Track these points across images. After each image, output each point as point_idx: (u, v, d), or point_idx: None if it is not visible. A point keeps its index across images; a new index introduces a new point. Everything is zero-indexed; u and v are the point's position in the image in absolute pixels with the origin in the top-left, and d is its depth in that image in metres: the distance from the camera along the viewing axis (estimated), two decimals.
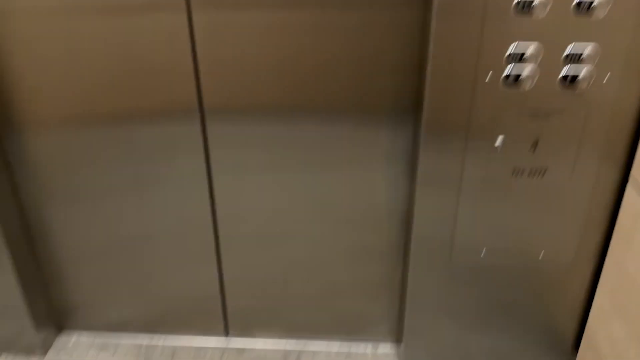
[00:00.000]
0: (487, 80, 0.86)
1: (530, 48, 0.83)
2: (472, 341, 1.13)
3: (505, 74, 0.85)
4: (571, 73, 0.84)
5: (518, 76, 0.85)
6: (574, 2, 0.79)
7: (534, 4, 0.80)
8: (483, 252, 1.02)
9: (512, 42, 0.83)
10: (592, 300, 1.03)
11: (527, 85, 0.86)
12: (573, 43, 0.83)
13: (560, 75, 0.85)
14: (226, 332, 1.28)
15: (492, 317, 1.10)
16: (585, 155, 0.91)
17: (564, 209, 0.96)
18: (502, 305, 1.09)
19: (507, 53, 0.84)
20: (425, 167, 0.95)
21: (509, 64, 0.85)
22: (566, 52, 0.83)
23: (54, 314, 1.27)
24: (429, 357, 1.16)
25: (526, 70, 0.85)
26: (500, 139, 0.91)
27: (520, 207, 0.97)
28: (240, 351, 1.23)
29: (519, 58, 0.84)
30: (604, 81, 0.85)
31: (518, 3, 0.80)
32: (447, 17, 0.82)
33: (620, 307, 0.92)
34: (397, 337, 1.23)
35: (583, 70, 0.84)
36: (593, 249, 0.99)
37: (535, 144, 0.91)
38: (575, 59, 0.83)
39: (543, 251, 1.01)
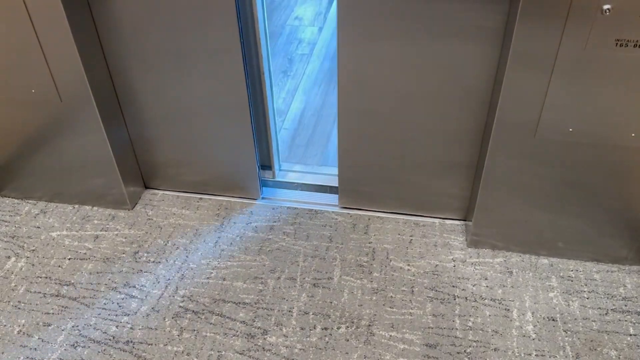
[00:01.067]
0: None
1: None
2: (542, 221, 1.13)
3: None
4: None
5: None
6: None
7: None
8: (569, 132, 0.98)
9: None
10: None
11: None
12: None
13: None
14: None
15: (568, 198, 1.08)
16: None
17: None
18: (581, 187, 1.06)
19: None
20: (519, 41, 0.89)
21: None
22: None
23: (140, 172, 1.35)
24: (496, 234, 1.17)
25: None
26: (609, 5, 0.83)
27: (618, 83, 0.91)
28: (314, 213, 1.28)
29: None
30: None
31: None
32: None
33: None
34: (467, 215, 1.24)
35: None
36: None
37: None
38: None
39: (634, 133, 0.95)
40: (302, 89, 1.75)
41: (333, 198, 1.34)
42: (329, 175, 1.40)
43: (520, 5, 0.86)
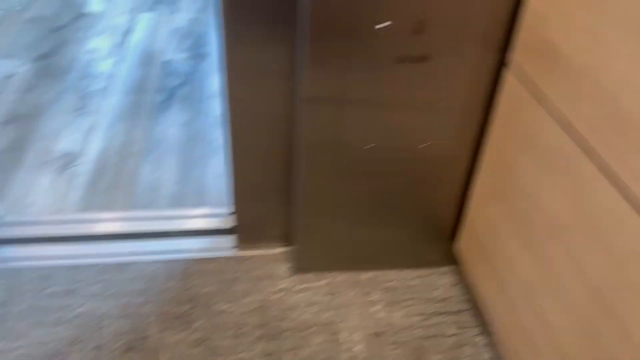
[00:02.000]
0: None
1: None
2: (360, 236, 1.14)
3: None
4: None
5: None
6: None
7: None
8: (371, 148, 1.00)
9: None
10: (470, 188, 1.06)
11: None
12: None
13: None
14: None
15: (380, 210, 1.10)
16: (463, 43, 0.89)
17: (443, 95, 0.95)
18: (389, 198, 1.09)
19: None
20: (311, 81, 0.88)
21: None
22: None
23: None
24: (319, 256, 1.16)
25: None
26: (383, 24, 0.86)
27: (403, 97, 0.94)
28: None
29: None
30: None
31: None
32: None
33: (498, 190, 0.95)
34: (289, 241, 1.21)
35: None
36: (472, 136, 1.00)
37: (419, 28, 0.87)
38: None
39: (426, 141, 1.00)
40: (101, 127, 1.59)
41: (144, 245, 1.22)
42: (144, 220, 1.28)
43: (309, 36, 0.85)
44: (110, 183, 1.38)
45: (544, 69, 0.79)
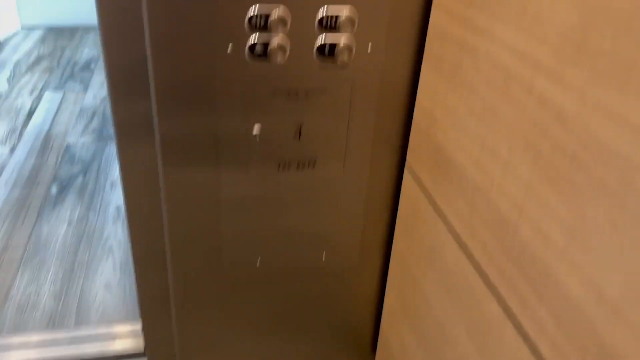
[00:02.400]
0: (228, 52, 0.67)
1: (275, 12, 0.65)
2: (265, 350, 0.98)
3: (249, 45, 0.67)
4: (328, 42, 0.68)
5: (266, 48, 0.67)
6: None
7: None
8: (258, 262, 0.85)
9: (252, 5, 0.65)
10: (382, 300, 0.92)
11: (278, 59, 0.68)
12: (325, 6, 0.66)
13: (316, 46, 0.69)
14: None
15: (281, 325, 0.95)
16: (356, 141, 0.77)
17: (340, 203, 0.82)
18: (292, 313, 0.94)
19: (248, 18, 0.65)
20: (171, 184, 0.74)
21: (252, 32, 0.66)
22: (319, 16, 0.67)
23: None
24: None
25: (274, 40, 0.67)
26: (257, 127, 0.73)
27: (292, 208, 0.81)
28: None
29: (263, 25, 0.66)
30: (368, 52, 0.70)
31: None
32: None
33: (406, 308, 0.81)
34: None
35: (341, 39, 0.68)
36: (378, 245, 0.88)
37: (299, 132, 0.75)
38: (330, 25, 0.67)
39: (325, 252, 0.87)
40: None
41: None
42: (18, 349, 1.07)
43: (160, 144, 0.72)
44: None
45: (437, 178, 0.68)
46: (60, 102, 2.02)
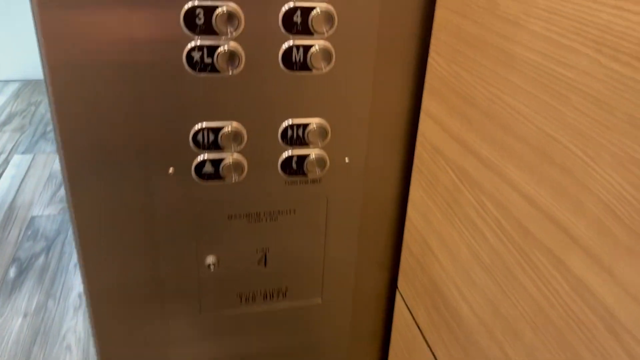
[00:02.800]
0: (170, 172, 0.54)
1: (227, 128, 0.52)
2: None
3: (195, 166, 0.54)
4: (294, 158, 0.55)
5: (216, 169, 0.54)
6: None
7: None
8: None
9: (197, 122, 0.52)
10: None
11: (233, 180, 0.55)
12: (290, 120, 0.53)
13: (281, 161, 0.55)
14: None
15: None
16: (336, 263, 0.64)
17: (323, 335, 0.68)
18: None
19: (192, 136, 0.52)
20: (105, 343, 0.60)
21: (200, 153, 0.53)
22: (281, 129, 0.54)
23: None
24: None
25: (227, 159, 0.54)
26: (211, 256, 0.59)
27: (263, 342, 0.67)
28: None
29: (212, 141, 0.53)
30: (344, 165, 0.57)
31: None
32: None
33: None
34: None
35: (311, 155, 0.55)
36: None
37: (264, 258, 0.61)
38: (297, 140, 0.54)
39: None
40: None
41: None
42: None
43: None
44: None
45: (436, 321, 0.54)
46: (29, 167, 1.89)
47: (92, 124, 0.49)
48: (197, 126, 0.52)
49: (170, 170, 0.53)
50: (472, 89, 0.42)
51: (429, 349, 0.56)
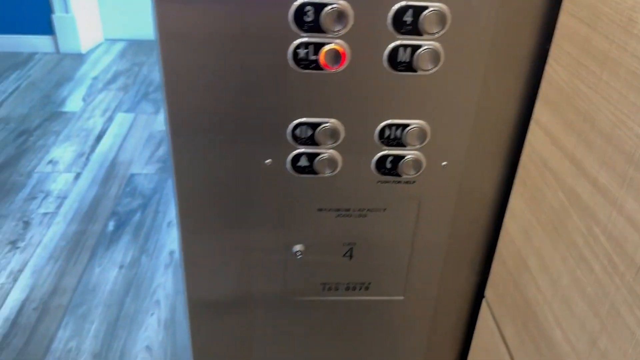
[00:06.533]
0: (267, 162, 0.55)
1: (324, 125, 0.52)
2: None
3: (291, 158, 0.54)
4: (390, 158, 0.54)
5: (311, 163, 0.54)
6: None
7: None
8: None
9: (298, 117, 0.52)
10: None
11: (326, 174, 0.55)
12: (389, 120, 0.52)
13: (375, 160, 0.55)
14: None
15: None
16: (423, 265, 0.62)
17: (399, 331, 0.68)
18: None
19: (290, 130, 0.52)
20: (194, 292, 0.63)
21: (297, 147, 0.53)
22: (378, 129, 0.53)
23: None
24: None
25: (322, 154, 0.54)
26: (299, 247, 0.60)
27: (339, 331, 0.68)
28: None
29: (309, 136, 0.53)
30: (440, 167, 0.55)
31: None
32: None
33: None
34: None
35: (407, 156, 0.54)
36: None
37: (350, 252, 0.61)
38: (394, 140, 0.53)
39: None
40: (32, 268, 1.36)
41: None
42: None
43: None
44: (16, 354, 1.14)
45: (525, 340, 0.52)
46: (130, 126, 2.00)
47: (198, 101, 0.51)
48: (297, 121, 0.52)
49: (268, 161, 0.54)
50: (594, 108, 0.39)
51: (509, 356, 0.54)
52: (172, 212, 1.58)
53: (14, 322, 1.21)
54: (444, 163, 0.55)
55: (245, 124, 0.52)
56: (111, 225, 1.52)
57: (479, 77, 0.50)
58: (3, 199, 1.61)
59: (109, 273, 1.35)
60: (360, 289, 0.64)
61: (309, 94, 0.50)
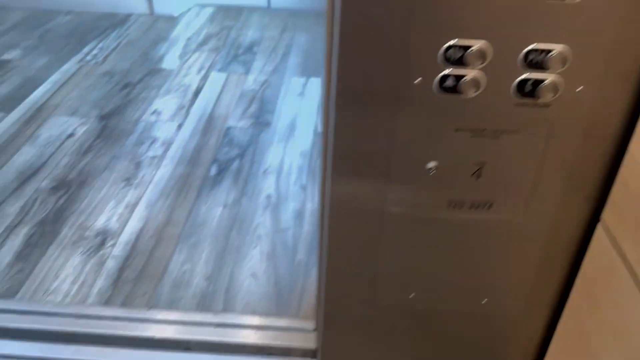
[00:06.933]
0: (416, 82, 0.62)
1: (475, 45, 0.59)
2: None
3: (439, 78, 0.61)
4: (530, 81, 0.60)
5: (457, 83, 0.61)
6: None
7: None
8: (412, 296, 0.81)
9: (450, 39, 0.59)
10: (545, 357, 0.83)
11: (469, 95, 0.62)
12: (535, 44, 0.58)
13: (516, 83, 0.61)
14: None
15: None
16: (544, 186, 0.69)
17: (513, 250, 0.74)
18: (443, 351, 0.88)
19: (442, 51, 0.59)
20: (335, 197, 0.72)
21: (446, 64, 0.60)
22: (524, 51, 0.59)
23: None
24: None
25: (469, 75, 0.60)
26: (433, 163, 0.68)
27: (457, 247, 0.75)
28: None
29: (459, 57, 0.60)
30: (575, 93, 0.61)
31: None
32: None
33: None
34: None
35: (547, 80, 0.60)
36: (548, 298, 0.79)
37: (479, 171, 0.68)
38: (537, 61, 0.59)
39: (486, 298, 0.80)
40: (145, 202, 1.51)
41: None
42: (188, 325, 1.15)
43: (332, 156, 0.69)
44: (138, 272, 1.28)
45: (636, 241, 0.57)
46: (224, 85, 2.13)
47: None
48: (450, 42, 0.59)
49: (418, 80, 0.62)
50: None
51: (634, 282, 0.60)
52: (267, 162, 1.69)
53: (134, 245, 1.36)
54: (580, 88, 0.61)
55: (403, 43, 0.59)
56: (213, 170, 1.64)
57: (619, 6, 0.55)
58: (115, 143, 1.76)
59: (214, 210, 1.48)
60: (483, 208, 0.71)
61: (462, 15, 0.57)
